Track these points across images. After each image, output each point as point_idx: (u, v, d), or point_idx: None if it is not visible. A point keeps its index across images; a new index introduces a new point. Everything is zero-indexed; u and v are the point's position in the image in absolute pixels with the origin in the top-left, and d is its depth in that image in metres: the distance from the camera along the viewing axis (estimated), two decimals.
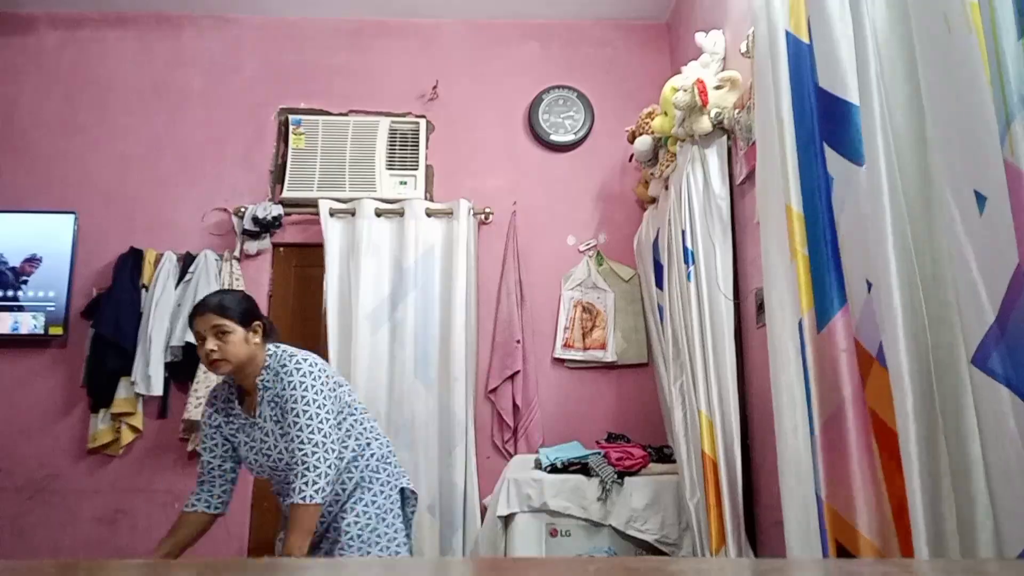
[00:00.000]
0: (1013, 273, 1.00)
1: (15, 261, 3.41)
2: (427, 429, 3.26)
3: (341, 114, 3.72)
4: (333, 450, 1.86)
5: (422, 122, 3.70)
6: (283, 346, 2.02)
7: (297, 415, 1.86)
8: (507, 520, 2.69)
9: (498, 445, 3.39)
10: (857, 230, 1.44)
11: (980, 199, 1.06)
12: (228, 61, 3.78)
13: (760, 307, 2.25)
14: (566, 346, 3.51)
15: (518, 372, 3.39)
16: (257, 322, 1.97)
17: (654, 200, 3.28)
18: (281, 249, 3.63)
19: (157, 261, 3.43)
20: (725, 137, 2.61)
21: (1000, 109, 1.01)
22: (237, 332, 1.91)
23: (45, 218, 3.45)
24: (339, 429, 1.95)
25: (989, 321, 1.04)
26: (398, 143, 3.66)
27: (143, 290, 3.40)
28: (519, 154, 3.73)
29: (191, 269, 3.39)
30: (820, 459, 1.53)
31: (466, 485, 3.21)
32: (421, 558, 2.91)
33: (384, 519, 2.02)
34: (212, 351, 1.88)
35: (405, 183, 3.60)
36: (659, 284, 3.12)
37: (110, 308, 3.32)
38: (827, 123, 1.55)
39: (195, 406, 3.18)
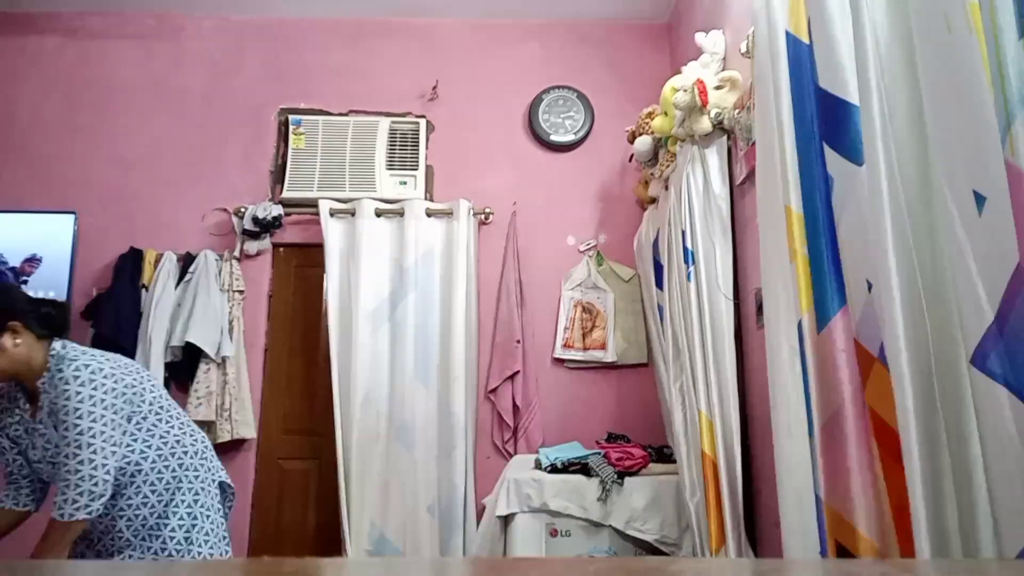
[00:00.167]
0: (1012, 273, 1.00)
1: (15, 261, 3.41)
2: (427, 429, 3.26)
3: (341, 114, 3.72)
4: (103, 466, 1.71)
5: (422, 122, 3.70)
6: (70, 346, 1.82)
7: (67, 428, 1.70)
8: (507, 520, 2.69)
9: (498, 445, 3.39)
10: (857, 230, 1.44)
11: (979, 199, 1.06)
12: (228, 61, 3.78)
13: (760, 307, 2.25)
14: (566, 346, 3.51)
15: (518, 372, 3.39)
16: (14, 322, 1.75)
17: (654, 200, 3.28)
18: (281, 249, 3.64)
19: (157, 261, 3.43)
20: (725, 137, 2.61)
21: (1000, 109, 1.01)
22: None
23: (45, 218, 3.45)
24: (125, 435, 1.79)
25: (988, 321, 1.04)
26: (398, 143, 3.66)
27: (143, 290, 3.40)
28: (519, 154, 3.74)
29: (191, 269, 3.39)
30: (819, 459, 1.53)
31: (466, 485, 3.21)
32: (421, 558, 2.91)
33: (208, 516, 1.93)
34: None
35: (405, 183, 3.60)
36: (659, 284, 3.13)
37: (110, 308, 3.33)
38: (827, 123, 1.54)
39: (195, 406, 3.19)
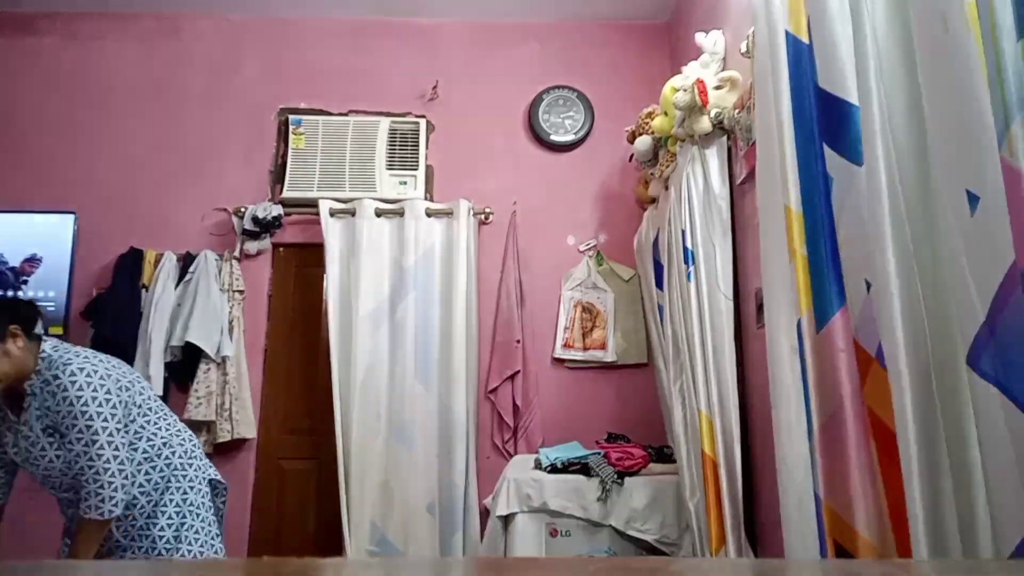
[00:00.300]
0: (1005, 274, 1.00)
1: (15, 261, 3.41)
2: (427, 429, 3.26)
3: (341, 114, 3.72)
4: (127, 459, 1.77)
5: (422, 122, 3.70)
6: (61, 347, 1.83)
7: (80, 431, 1.72)
8: (507, 520, 2.69)
9: (498, 445, 3.39)
10: (856, 230, 1.44)
11: (972, 199, 1.06)
12: (228, 61, 3.79)
13: (760, 307, 2.25)
14: (566, 346, 3.51)
15: (518, 372, 3.39)
16: (13, 326, 1.77)
17: (654, 200, 3.28)
18: (281, 249, 3.64)
19: (157, 261, 3.43)
20: (725, 137, 2.61)
21: (999, 110, 1.01)
22: None
23: (45, 218, 3.46)
24: (128, 433, 1.84)
25: (980, 322, 1.04)
26: (398, 143, 3.66)
27: (143, 290, 3.40)
28: (519, 154, 3.74)
29: (191, 269, 3.39)
30: (819, 459, 1.53)
31: (466, 485, 3.21)
32: (421, 558, 2.91)
33: (198, 514, 1.94)
34: None
35: (405, 183, 3.60)
36: (659, 284, 3.12)
37: (110, 308, 3.33)
38: (827, 123, 1.54)
39: (195, 406, 3.19)
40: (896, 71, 1.34)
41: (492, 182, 3.67)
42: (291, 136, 3.64)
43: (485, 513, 3.07)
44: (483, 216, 3.60)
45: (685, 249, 2.62)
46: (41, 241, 3.43)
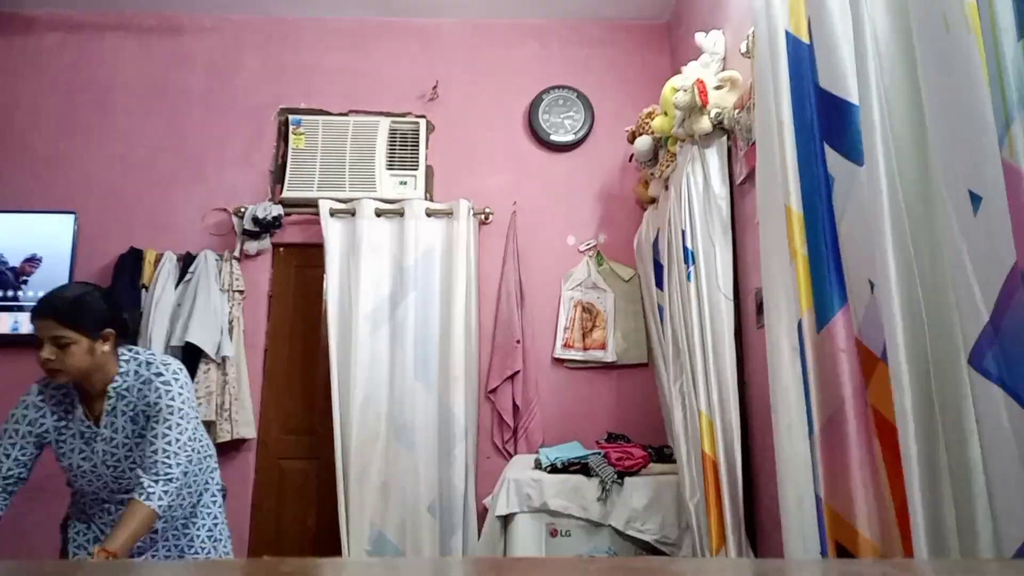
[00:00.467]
0: (1007, 274, 1.00)
1: (15, 261, 3.41)
2: (427, 429, 3.26)
3: (341, 114, 3.72)
4: (191, 460, 1.81)
5: (422, 122, 3.70)
6: (144, 353, 1.87)
7: (169, 427, 1.76)
8: (507, 520, 2.69)
9: (498, 445, 3.39)
10: (857, 230, 1.44)
11: (975, 199, 1.06)
12: (228, 61, 3.78)
13: (760, 307, 2.25)
14: (566, 346, 3.51)
15: (518, 372, 3.39)
16: (109, 329, 1.79)
17: (654, 200, 3.28)
18: (281, 249, 3.64)
19: (157, 261, 3.43)
20: (725, 137, 2.61)
21: (999, 110, 1.01)
22: (81, 343, 1.72)
23: (45, 218, 3.45)
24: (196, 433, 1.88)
25: (983, 321, 1.04)
26: (398, 143, 3.66)
27: (143, 290, 3.40)
28: (519, 154, 3.74)
29: (191, 269, 3.39)
30: (819, 459, 1.53)
31: (466, 485, 3.21)
32: (421, 558, 2.91)
33: (224, 515, 2.06)
34: (49, 360, 1.69)
35: (405, 183, 3.60)
36: (659, 284, 3.13)
37: None
38: (827, 123, 1.54)
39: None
40: (896, 71, 1.34)
41: (492, 182, 3.67)
42: (291, 136, 3.64)
43: (485, 513, 3.07)
44: (483, 216, 3.60)
45: (685, 249, 2.62)
46: (41, 241, 3.43)
